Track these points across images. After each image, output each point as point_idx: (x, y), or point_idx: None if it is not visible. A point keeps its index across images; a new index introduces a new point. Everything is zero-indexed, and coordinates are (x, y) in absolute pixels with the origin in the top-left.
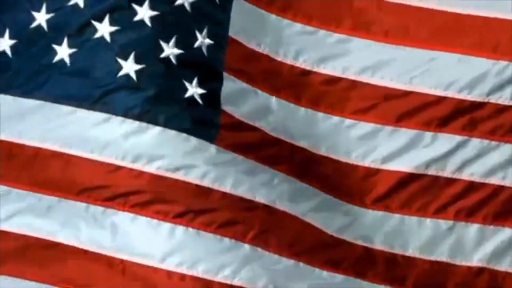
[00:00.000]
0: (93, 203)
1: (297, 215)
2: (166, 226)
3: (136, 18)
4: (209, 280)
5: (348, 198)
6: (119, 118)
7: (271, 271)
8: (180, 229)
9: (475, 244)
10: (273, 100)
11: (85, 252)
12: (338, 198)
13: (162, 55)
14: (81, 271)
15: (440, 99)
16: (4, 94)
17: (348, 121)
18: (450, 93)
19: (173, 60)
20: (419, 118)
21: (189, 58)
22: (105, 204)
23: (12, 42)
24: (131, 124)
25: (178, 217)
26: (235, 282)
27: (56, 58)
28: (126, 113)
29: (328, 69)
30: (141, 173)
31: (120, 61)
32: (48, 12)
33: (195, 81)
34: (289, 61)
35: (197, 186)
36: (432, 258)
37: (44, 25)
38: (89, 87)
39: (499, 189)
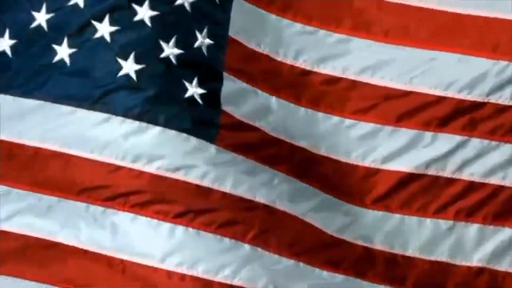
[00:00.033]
0: (93, 203)
1: (297, 215)
2: (166, 226)
3: (136, 18)
4: (209, 280)
5: (348, 198)
6: (119, 118)
7: (271, 271)
8: (180, 229)
9: (475, 244)
10: (273, 100)
11: (85, 252)
12: (338, 198)
13: (162, 55)
14: (81, 271)
15: (440, 99)
16: (4, 94)
17: (348, 121)
18: (450, 93)
19: (173, 60)
20: (419, 118)
21: (189, 58)
22: (105, 204)
23: (12, 42)
24: (131, 124)
25: (178, 217)
26: (235, 282)
27: (56, 58)
28: (126, 113)
29: (328, 69)
30: (141, 173)
31: (120, 61)
32: (48, 12)
33: (195, 81)
34: (289, 61)
35: (197, 186)
36: (432, 258)
37: (44, 25)
38: (89, 87)
39: (499, 189)
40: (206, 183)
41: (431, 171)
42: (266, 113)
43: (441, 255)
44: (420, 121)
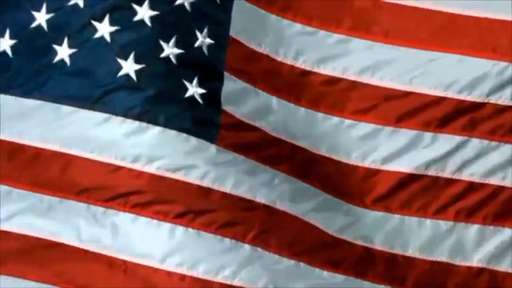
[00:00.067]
0: (93, 203)
1: (298, 215)
2: (166, 226)
3: (136, 18)
4: (209, 281)
5: (348, 198)
6: (119, 118)
7: (271, 271)
8: (180, 230)
9: (475, 244)
10: (274, 100)
11: (86, 252)
12: (338, 198)
13: (162, 55)
14: (81, 271)
15: (440, 100)
16: (5, 94)
17: (348, 122)
18: (450, 94)
19: (173, 60)
20: (419, 119)
21: (189, 58)
22: (106, 204)
23: (13, 42)
24: (131, 124)
25: (178, 218)
26: (235, 282)
27: (57, 58)
28: (126, 113)
29: (328, 70)
30: (141, 173)
31: (120, 61)
32: (48, 12)
33: (195, 81)
34: (289, 61)
35: (197, 186)
36: (432, 258)
37: (44, 25)
38: (89, 87)
39: (499, 189)
40: (206, 183)
41: (431, 172)
42: (267, 113)
43: (441, 255)
44: (420, 121)
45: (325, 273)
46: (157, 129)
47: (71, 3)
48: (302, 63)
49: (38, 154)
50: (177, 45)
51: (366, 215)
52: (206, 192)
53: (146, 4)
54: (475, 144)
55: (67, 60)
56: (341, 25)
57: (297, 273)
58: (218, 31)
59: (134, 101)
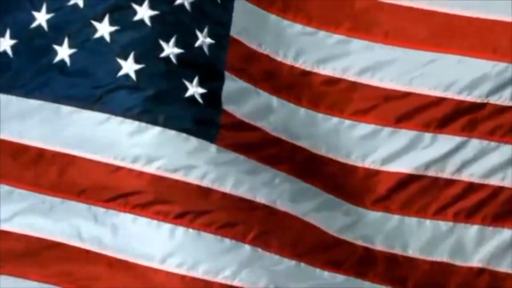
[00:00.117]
0: (94, 204)
1: (298, 215)
2: (167, 227)
3: (136, 18)
4: (209, 281)
5: (348, 198)
6: (119, 118)
7: (271, 272)
8: (180, 230)
9: (475, 245)
10: (274, 100)
11: (87, 252)
12: (339, 198)
13: (162, 55)
14: (82, 271)
15: (440, 100)
16: (5, 94)
17: (348, 122)
18: (449, 94)
19: (173, 60)
20: (419, 119)
21: (189, 58)
22: (106, 205)
23: (13, 42)
24: (131, 124)
25: (179, 218)
26: (236, 283)
27: (57, 59)
28: (125, 113)
29: (328, 70)
30: (141, 174)
31: (120, 61)
32: (48, 12)
33: (195, 81)
34: (289, 61)
35: (197, 186)
36: (432, 258)
37: (45, 25)
38: (89, 87)
39: (499, 190)
40: (206, 183)
41: (431, 172)
42: (267, 113)
43: (441, 255)
44: (420, 122)
45: (326, 273)
46: (157, 129)
47: (71, 3)
48: (302, 64)
49: (39, 154)
50: (177, 44)
51: (366, 216)
52: (206, 192)
53: (146, 4)
54: (475, 144)
55: (67, 60)
56: (341, 26)
57: (297, 273)
58: (219, 31)
59: (133, 101)
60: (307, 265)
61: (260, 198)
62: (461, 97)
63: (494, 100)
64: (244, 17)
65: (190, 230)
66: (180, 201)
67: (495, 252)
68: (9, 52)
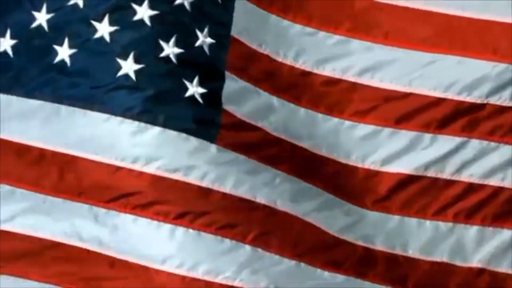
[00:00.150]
0: (95, 204)
1: (298, 216)
2: (167, 227)
3: (136, 18)
4: (209, 282)
5: (349, 198)
6: (118, 118)
7: (272, 272)
8: (180, 231)
9: (474, 245)
10: (275, 100)
11: (88, 252)
12: (339, 198)
13: (162, 55)
14: (83, 271)
15: (440, 101)
16: (5, 94)
17: (348, 123)
18: (449, 95)
19: (173, 59)
20: (419, 120)
21: (189, 57)
22: (107, 205)
23: (13, 42)
24: (131, 124)
25: (179, 218)
26: (236, 283)
27: (57, 59)
28: (125, 113)
29: (328, 71)
30: (141, 174)
31: (120, 61)
32: (48, 12)
33: (195, 80)
34: (289, 62)
35: (197, 186)
36: (432, 259)
37: (45, 25)
38: (89, 87)
39: (499, 190)
40: (206, 183)
41: (431, 173)
42: (268, 113)
43: (441, 256)
44: (420, 122)
45: (326, 273)
46: (157, 129)
47: (71, 3)
48: (302, 64)
49: (39, 155)
50: (177, 44)
51: (366, 216)
52: (206, 192)
53: (145, 4)
54: (475, 145)
55: (68, 61)
56: (341, 26)
57: (298, 273)
58: (220, 30)
59: (133, 101)
60: (307, 265)
61: (260, 198)
62: (461, 98)
63: (494, 100)
64: (245, 17)
65: (190, 230)
66: (180, 202)
67: (495, 252)
68: (10, 52)
